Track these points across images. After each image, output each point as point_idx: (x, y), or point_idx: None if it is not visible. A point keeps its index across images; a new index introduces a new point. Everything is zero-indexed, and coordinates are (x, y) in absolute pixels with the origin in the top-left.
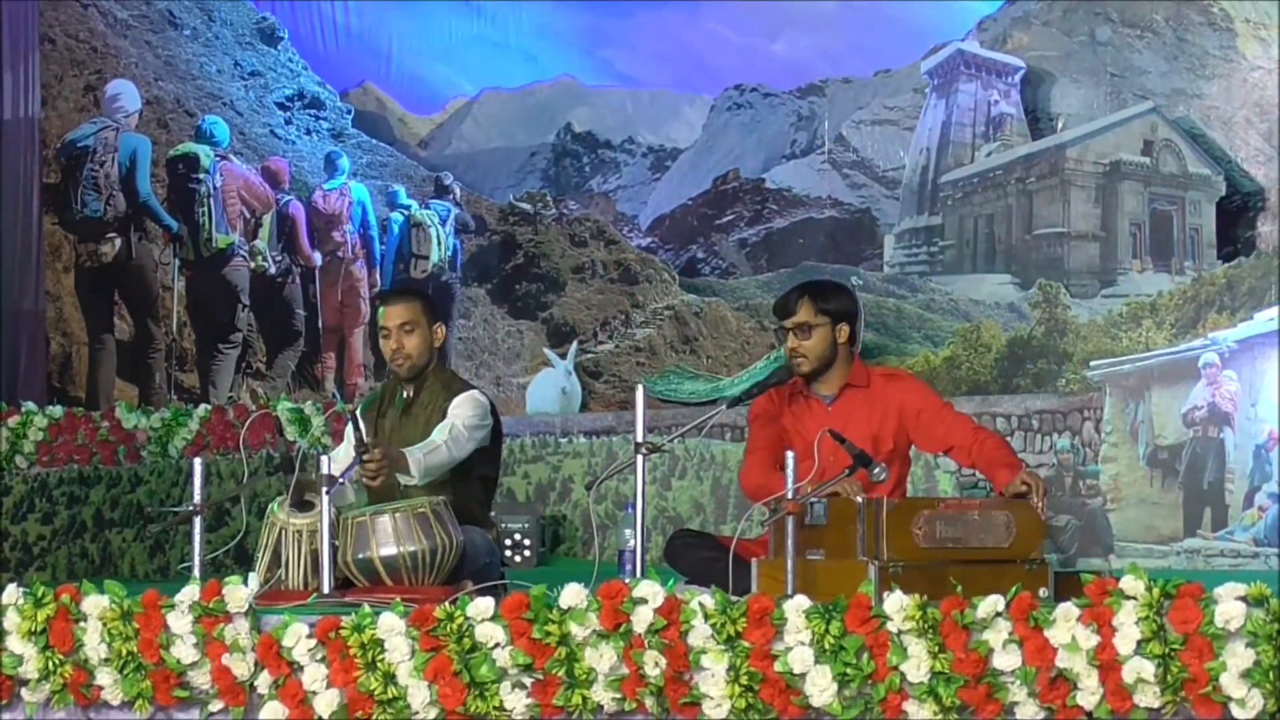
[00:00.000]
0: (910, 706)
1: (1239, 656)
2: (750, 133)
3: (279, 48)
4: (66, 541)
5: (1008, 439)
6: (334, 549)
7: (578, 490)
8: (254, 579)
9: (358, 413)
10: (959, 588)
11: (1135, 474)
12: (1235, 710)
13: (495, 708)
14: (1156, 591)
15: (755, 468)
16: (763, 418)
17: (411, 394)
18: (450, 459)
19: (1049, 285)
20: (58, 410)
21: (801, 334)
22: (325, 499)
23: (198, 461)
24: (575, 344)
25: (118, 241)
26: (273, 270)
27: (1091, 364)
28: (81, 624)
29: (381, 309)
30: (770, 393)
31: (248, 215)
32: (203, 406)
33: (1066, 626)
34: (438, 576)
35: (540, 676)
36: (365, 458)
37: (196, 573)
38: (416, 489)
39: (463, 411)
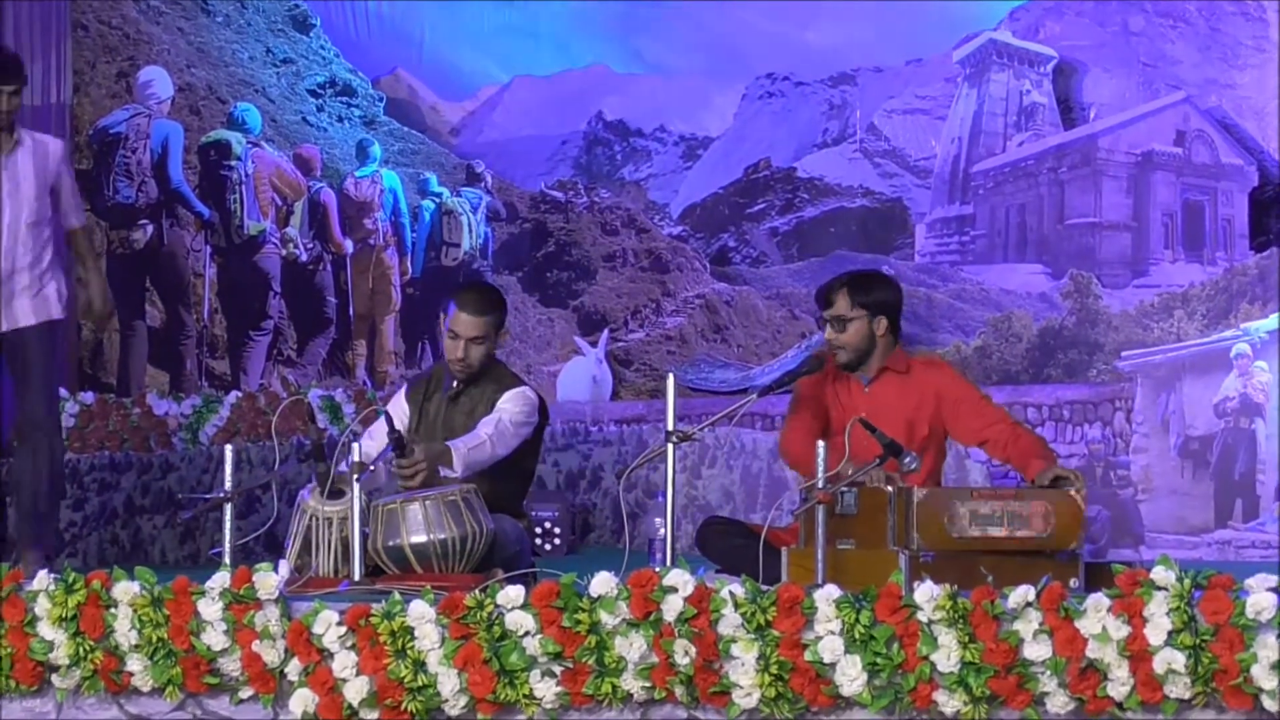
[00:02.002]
0: (940, 696)
1: (1270, 648)
2: (782, 121)
3: (311, 35)
4: (97, 528)
5: (1039, 429)
6: (364, 536)
7: (608, 479)
8: (284, 566)
9: (402, 396)
10: (990, 578)
11: (1166, 465)
12: (1266, 701)
13: (525, 696)
14: (1187, 582)
15: (797, 434)
16: (808, 394)
17: (460, 384)
18: (493, 456)
19: (1081, 275)
20: (89, 397)
21: (838, 326)
22: (355, 486)
23: (228, 448)
24: (606, 332)
25: (149, 228)
26: (304, 257)
27: (1123, 354)
28: (112, 610)
29: (456, 312)
30: (817, 375)
31: (279, 202)
32: (234, 393)
33: (1097, 617)
34: (468, 564)
35: (570, 665)
36: (405, 461)
37: (227, 559)
38: (451, 477)
39: (511, 407)
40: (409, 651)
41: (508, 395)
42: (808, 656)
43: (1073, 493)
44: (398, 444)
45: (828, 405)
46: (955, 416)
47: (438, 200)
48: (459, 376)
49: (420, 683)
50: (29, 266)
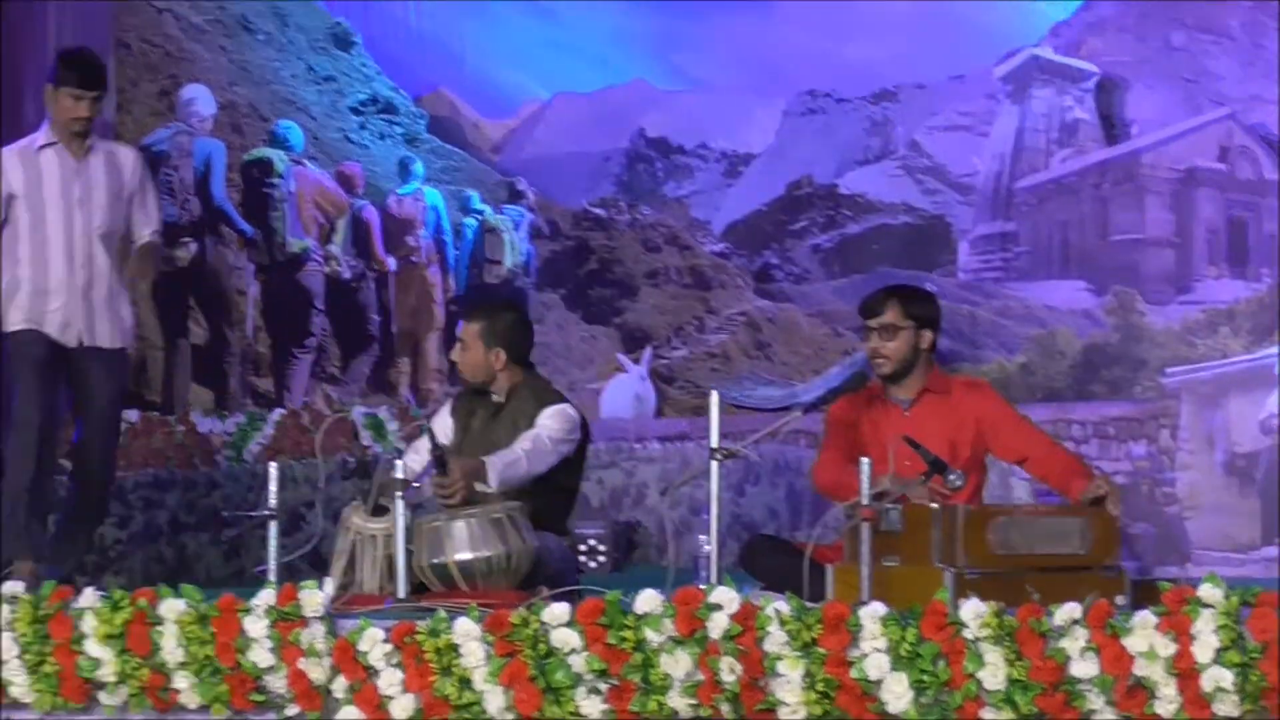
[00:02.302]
0: (987, 714)
1: None
2: (823, 138)
3: (352, 52)
4: (143, 545)
5: (1083, 446)
6: (409, 554)
7: (652, 496)
8: (329, 584)
9: (445, 412)
10: (1036, 595)
11: (1212, 481)
12: None
13: (571, 713)
14: (1235, 599)
15: (830, 464)
16: (840, 422)
17: (502, 400)
18: (529, 471)
19: (1124, 292)
20: (133, 414)
21: (885, 335)
22: (399, 504)
23: (273, 466)
24: (649, 349)
25: (192, 246)
26: (347, 275)
27: (1167, 371)
28: (158, 628)
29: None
30: (849, 398)
31: (322, 220)
32: (277, 411)
33: (1144, 634)
34: (513, 582)
35: (616, 682)
36: (444, 480)
37: (272, 577)
38: (494, 494)
39: (551, 423)
40: (454, 669)
41: (548, 412)
42: (853, 674)
43: (1107, 506)
44: (439, 461)
45: (862, 433)
46: (995, 435)
47: (480, 218)
48: (467, 384)
49: (466, 700)
50: (107, 275)
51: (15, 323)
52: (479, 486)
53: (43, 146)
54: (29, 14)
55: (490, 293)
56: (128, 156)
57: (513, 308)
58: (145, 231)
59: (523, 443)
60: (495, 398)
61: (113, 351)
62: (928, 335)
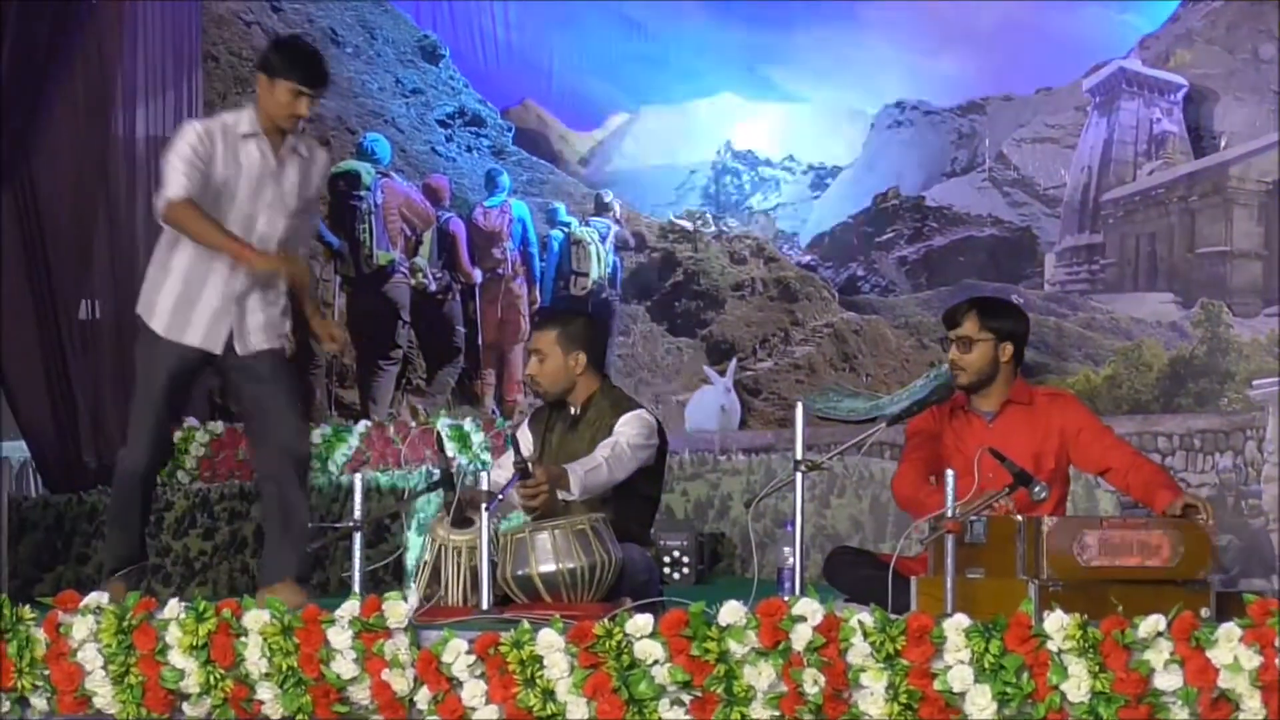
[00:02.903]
0: None
1: None
2: (911, 150)
3: (440, 65)
4: (228, 557)
5: (1169, 458)
6: (493, 565)
7: (736, 508)
8: (414, 595)
9: (525, 425)
10: (1120, 607)
11: None
12: None
13: None
14: None
15: (908, 477)
16: (922, 433)
17: (579, 410)
18: (610, 478)
19: (1211, 304)
20: (219, 426)
21: (963, 346)
22: (485, 516)
23: (358, 477)
24: (734, 361)
25: None
26: (433, 287)
27: (1254, 383)
28: (242, 639)
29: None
30: (931, 410)
31: (408, 232)
32: (363, 423)
33: (1229, 647)
34: (596, 593)
35: (699, 694)
36: (528, 482)
37: (357, 588)
38: (577, 505)
39: (628, 430)
40: (538, 680)
41: (625, 419)
42: (937, 686)
43: (1201, 521)
44: (523, 472)
45: (945, 445)
46: (1077, 445)
47: (566, 230)
48: (542, 397)
49: (549, 711)
50: (263, 280)
51: (155, 327)
52: (561, 495)
53: (246, 135)
54: (117, 25)
55: (564, 305)
56: (322, 160)
57: (583, 312)
58: (302, 249)
59: (602, 450)
60: (572, 410)
61: (269, 351)
62: (1008, 348)
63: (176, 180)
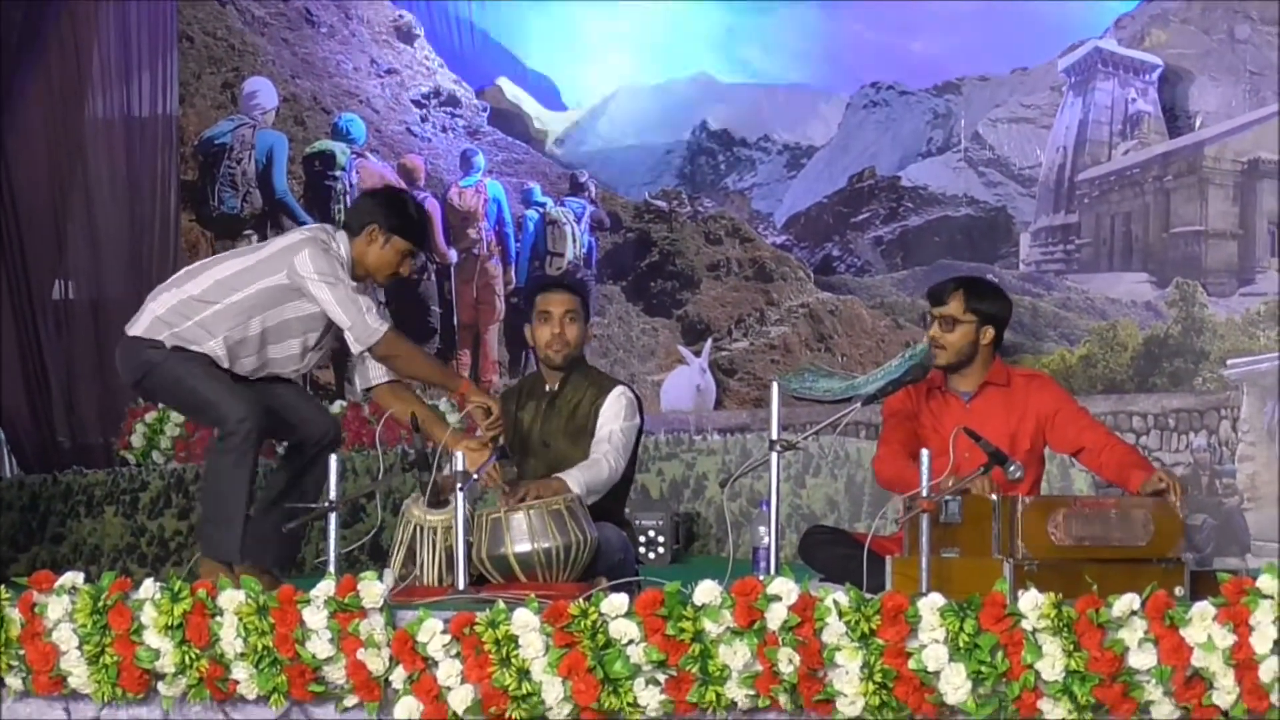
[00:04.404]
0: (1045, 705)
1: None
2: (886, 131)
3: (415, 45)
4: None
5: (1144, 437)
6: (469, 545)
7: (712, 487)
8: (389, 575)
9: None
10: (1094, 586)
11: (1272, 473)
12: None
13: (629, 704)
14: None
15: (890, 458)
16: (900, 413)
17: (556, 387)
18: (612, 473)
19: (1186, 284)
20: None
21: (946, 325)
22: (460, 496)
23: (332, 458)
24: (710, 341)
25: (254, 238)
26: None
27: (1229, 363)
28: (218, 619)
29: (544, 295)
30: (909, 389)
31: None
32: (338, 403)
33: (1203, 625)
34: (572, 573)
35: (674, 673)
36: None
37: (332, 568)
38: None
39: (616, 415)
40: (513, 660)
41: (609, 401)
42: (912, 665)
43: (1170, 499)
44: (502, 453)
45: (922, 425)
46: (1053, 426)
47: (541, 210)
48: (557, 361)
49: (524, 691)
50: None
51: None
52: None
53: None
54: (92, 7)
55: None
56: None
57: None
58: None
59: (598, 448)
60: (548, 386)
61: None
62: (990, 332)
63: (369, 309)
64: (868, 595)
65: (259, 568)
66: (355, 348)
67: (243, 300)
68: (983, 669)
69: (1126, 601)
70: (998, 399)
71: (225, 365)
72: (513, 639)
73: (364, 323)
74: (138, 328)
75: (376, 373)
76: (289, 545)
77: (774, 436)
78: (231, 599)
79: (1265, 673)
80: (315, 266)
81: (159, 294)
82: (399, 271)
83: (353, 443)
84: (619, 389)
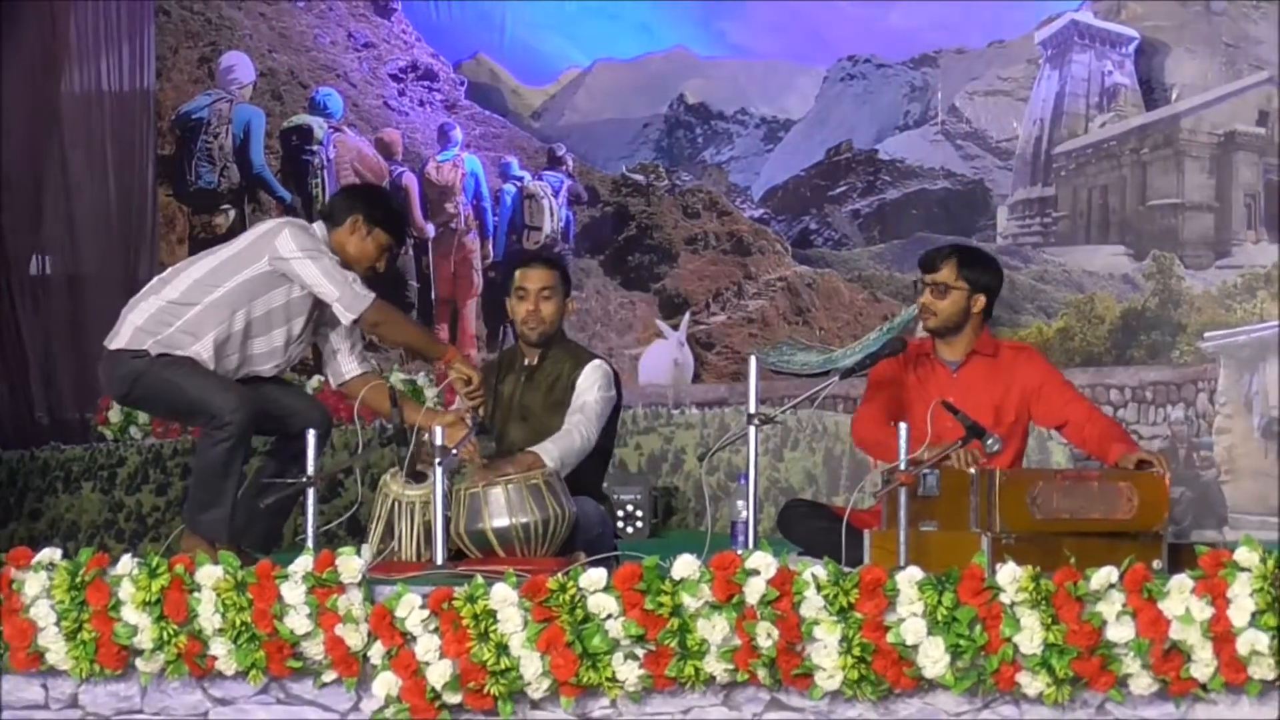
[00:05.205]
0: (1023, 678)
1: None
2: (863, 104)
3: (392, 19)
4: (180, 513)
5: (1121, 410)
6: (447, 520)
7: (690, 461)
8: (367, 550)
9: None
10: (1072, 559)
11: (1250, 446)
12: None
13: (608, 679)
14: (1271, 563)
15: (869, 419)
16: (884, 377)
17: (535, 361)
18: (585, 442)
19: (1163, 256)
20: None
21: (938, 292)
22: (438, 471)
23: (310, 433)
24: (688, 315)
25: (231, 213)
26: None
27: (1206, 335)
28: (196, 594)
29: (522, 271)
30: (896, 358)
31: None
32: (315, 378)
33: (1180, 598)
34: (550, 547)
35: (653, 647)
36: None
37: (310, 544)
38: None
39: (591, 386)
40: (492, 635)
41: (585, 372)
42: (890, 639)
43: (1157, 473)
44: (481, 428)
45: (905, 390)
46: (1039, 399)
47: (519, 184)
48: (533, 339)
49: (503, 666)
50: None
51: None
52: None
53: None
54: None
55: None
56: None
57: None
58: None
59: (570, 418)
60: (526, 360)
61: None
62: (981, 300)
63: (354, 280)
64: (846, 569)
65: (243, 551)
66: (346, 317)
67: (224, 296)
68: (961, 642)
69: (1104, 575)
70: (984, 369)
71: (210, 367)
72: (491, 614)
73: (352, 291)
74: (119, 340)
75: (349, 366)
76: (273, 527)
77: (752, 410)
78: (209, 575)
79: (1243, 645)
80: (298, 243)
81: (136, 304)
82: (376, 266)
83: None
84: (595, 362)
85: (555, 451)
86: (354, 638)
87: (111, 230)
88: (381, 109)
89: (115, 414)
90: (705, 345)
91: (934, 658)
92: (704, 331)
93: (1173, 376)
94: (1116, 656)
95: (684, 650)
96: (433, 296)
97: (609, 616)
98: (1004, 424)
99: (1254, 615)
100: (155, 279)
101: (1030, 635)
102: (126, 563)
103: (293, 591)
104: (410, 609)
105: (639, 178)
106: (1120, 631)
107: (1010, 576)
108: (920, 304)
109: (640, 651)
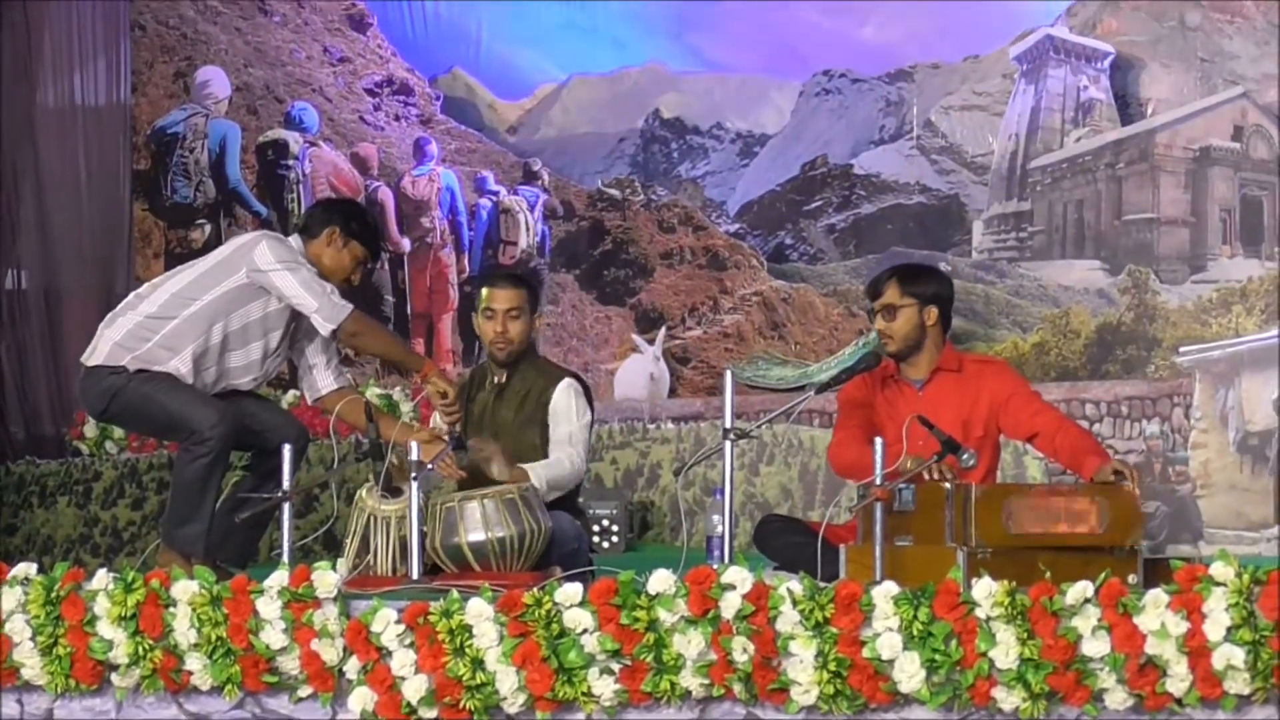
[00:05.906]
0: (999, 693)
1: None
2: (839, 118)
3: (368, 34)
4: (156, 527)
5: (1097, 425)
6: (422, 535)
7: (666, 476)
8: (343, 565)
9: None
10: (1048, 574)
11: (1225, 460)
12: None
13: (583, 693)
14: (1246, 578)
15: (847, 442)
16: (854, 401)
17: (504, 379)
18: (575, 471)
19: (1138, 271)
20: None
21: (888, 315)
22: (413, 485)
23: (286, 447)
24: (663, 330)
25: (207, 228)
26: None
27: (1181, 350)
28: (171, 609)
29: (489, 290)
30: (862, 378)
31: None
32: (291, 392)
33: (1156, 613)
34: (526, 562)
35: (628, 662)
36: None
37: (286, 558)
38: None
39: (569, 411)
40: (467, 649)
41: (558, 396)
42: (866, 653)
43: (1128, 488)
44: (458, 443)
45: (876, 411)
46: (1006, 411)
47: (495, 198)
48: (501, 358)
49: (479, 680)
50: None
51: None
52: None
53: None
54: None
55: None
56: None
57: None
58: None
59: (559, 450)
60: (496, 379)
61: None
62: (933, 312)
63: (332, 291)
64: (822, 584)
65: (218, 566)
66: (324, 328)
67: (202, 309)
68: (937, 657)
69: (1080, 589)
70: (950, 385)
71: (189, 382)
72: (467, 629)
73: (330, 302)
74: (96, 357)
75: (326, 381)
76: (248, 542)
77: (728, 425)
78: (185, 590)
79: (1218, 660)
80: (276, 255)
81: (113, 320)
82: (351, 279)
83: None
84: (566, 381)
85: (545, 476)
86: (329, 652)
87: (87, 245)
88: (357, 124)
89: (91, 429)
90: (681, 360)
91: (910, 672)
92: (680, 346)
93: (1148, 391)
94: (1092, 671)
95: (660, 665)
96: (408, 311)
97: (585, 631)
98: (972, 438)
99: (1229, 630)
100: (132, 295)
101: (1006, 650)
102: (102, 577)
103: (268, 606)
104: (386, 624)
105: (614, 192)
106: (1096, 646)
107: (986, 591)
108: (877, 330)
109: (616, 666)
